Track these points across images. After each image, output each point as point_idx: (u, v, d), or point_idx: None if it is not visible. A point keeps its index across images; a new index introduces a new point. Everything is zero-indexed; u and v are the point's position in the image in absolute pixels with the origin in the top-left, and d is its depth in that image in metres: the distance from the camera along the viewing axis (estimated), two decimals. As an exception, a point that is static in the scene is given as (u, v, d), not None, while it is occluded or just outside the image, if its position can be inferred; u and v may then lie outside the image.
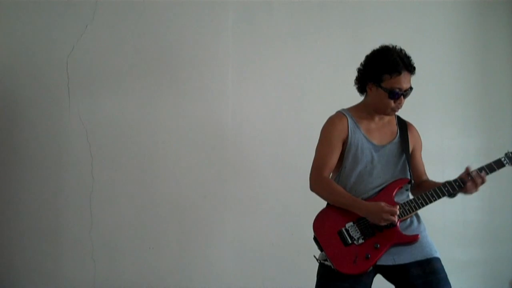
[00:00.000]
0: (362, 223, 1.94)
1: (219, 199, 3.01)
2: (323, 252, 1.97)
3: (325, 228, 1.97)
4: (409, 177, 2.06)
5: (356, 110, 2.12)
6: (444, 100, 3.46)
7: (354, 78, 2.15)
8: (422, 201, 1.97)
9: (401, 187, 2.03)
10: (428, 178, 2.18)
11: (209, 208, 2.99)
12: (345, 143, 2.04)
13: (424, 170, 2.19)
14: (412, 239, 1.94)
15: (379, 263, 1.93)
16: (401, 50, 2.03)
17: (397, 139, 2.09)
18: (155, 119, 2.93)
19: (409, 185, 2.08)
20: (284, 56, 3.16)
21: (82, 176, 2.79)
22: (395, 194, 2.00)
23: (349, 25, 3.33)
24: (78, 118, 2.80)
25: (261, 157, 3.09)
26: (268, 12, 3.16)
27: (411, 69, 1.99)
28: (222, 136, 3.04)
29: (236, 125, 3.06)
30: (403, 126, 2.13)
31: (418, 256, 1.95)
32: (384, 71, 1.98)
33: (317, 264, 2.05)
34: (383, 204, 1.90)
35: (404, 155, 2.07)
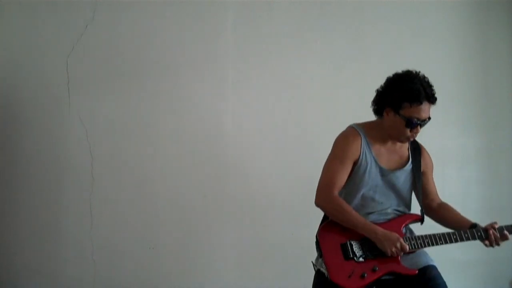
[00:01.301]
0: (367, 243, 1.93)
1: (219, 199, 3.01)
2: (321, 259, 1.96)
3: (329, 237, 1.97)
4: (419, 213, 2.06)
5: (370, 129, 2.06)
6: (444, 100, 3.45)
7: (372, 99, 2.09)
8: (429, 241, 1.96)
9: (409, 223, 2.03)
10: (441, 201, 2.17)
11: (209, 208, 2.99)
12: (355, 163, 2.00)
13: (436, 191, 2.17)
14: (410, 273, 1.91)
15: None
16: (424, 77, 1.96)
17: (407, 166, 2.06)
18: (155, 119, 2.93)
19: (419, 222, 2.07)
20: (284, 56, 3.16)
21: (82, 176, 2.79)
22: (404, 227, 2.00)
23: (349, 25, 3.33)
24: (78, 118, 2.80)
25: (261, 157, 3.09)
26: (268, 12, 3.16)
27: (433, 100, 1.94)
28: (222, 136, 3.04)
29: (236, 124, 3.06)
30: (416, 151, 2.10)
31: (415, 266, 1.93)
32: (405, 99, 1.92)
33: (316, 264, 2.05)
34: (398, 236, 1.90)
35: (412, 184, 2.06)
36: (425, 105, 1.92)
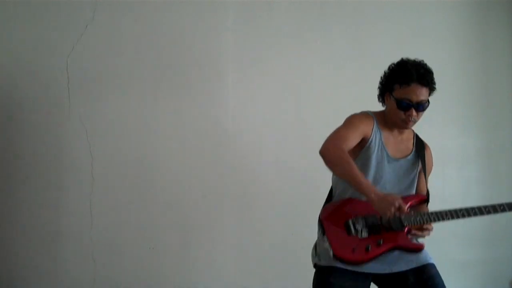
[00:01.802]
0: (370, 220, 1.91)
1: (219, 199, 3.01)
2: (324, 237, 1.93)
3: (332, 216, 1.96)
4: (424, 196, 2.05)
5: (379, 117, 2.08)
6: (444, 100, 3.46)
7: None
8: (435, 217, 1.92)
9: (414, 203, 2.01)
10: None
11: (209, 207, 2.99)
12: (364, 141, 2.00)
13: (425, 189, 2.14)
14: (417, 247, 1.91)
15: (375, 271, 1.91)
16: (420, 63, 1.98)
17: (411, 156, 2.07)
18: (155, 119, 2.93)
19: (424, 204, 2.05)
20: (284, 56, 3.17)
21: (82, 176, 2.79)
22: (410, 207, 1.97)
23: (349, 25, 3.34)
24: (78, 118, 2.80)
25: (261, 157, 3.09)
26: (268, 12, 3.16)
27: (424, 82, 1.94)
28: (222, 136, 3.04)
29: (236, 124, 3.06)
30: (420, 147, 2.11)
31: (414, 263, 1.93)
32: (396, 81, 1.98)
33: (316, 264, 2.04)
34: (397, 196, 1.85)
35: (415, 174, 2.05)
36: (415, 87, 1.93)
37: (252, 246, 3.04)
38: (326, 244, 1.91)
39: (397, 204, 1.79)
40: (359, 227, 1.90)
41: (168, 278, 2.90)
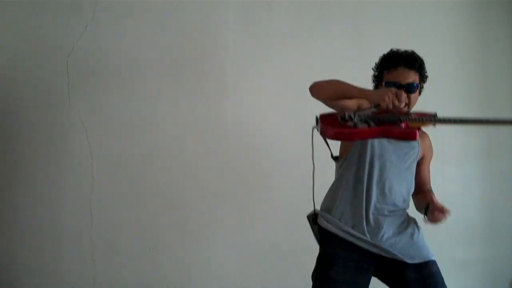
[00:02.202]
0: (367, 113, 1.88)
1: (219, 199, 3.01)
2: (317, 128, 1.90)
3: (330, 115, 1.93)
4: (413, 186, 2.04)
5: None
6: (444, 100, 3.47)
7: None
8: (437, 119, 1.84)
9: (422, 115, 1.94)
10: (431, 189, 2.12)
11: (209, 208, 2.99)
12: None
13: (429, 180, 2.14)
14: (409, 136, 1.84)
15: (377, 243, 1.91)
16: (407, 51, 2.02)
17: (404, 142, 2.04)
18: (155, 119, 2.93)
19: (436, 118, 1.97)
20: (284, 56, 3.17)
21: (82, 176, 2.80)
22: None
23: (349, 25, 3.34)
24: (78, 118, 2.81)
25: (261, 157, 3.09)
26: (268, 11, 3.17)
27: (410, 64, 1.97)
28: (222, 136, 3.04)
29: (236, 124, 3.06)
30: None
31: (416, 259, 1.93)
32: (384, 68, 2.04)
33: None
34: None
35: (414, 159, 2.04)
36: (402, 70, 1.97)
37: (252, 246, 3.04)
38: (319, 127, 1.88)
39: (394, 91, 1.84)
40: (353, 117, 1.85)
41: (168, 278, 2.90)
